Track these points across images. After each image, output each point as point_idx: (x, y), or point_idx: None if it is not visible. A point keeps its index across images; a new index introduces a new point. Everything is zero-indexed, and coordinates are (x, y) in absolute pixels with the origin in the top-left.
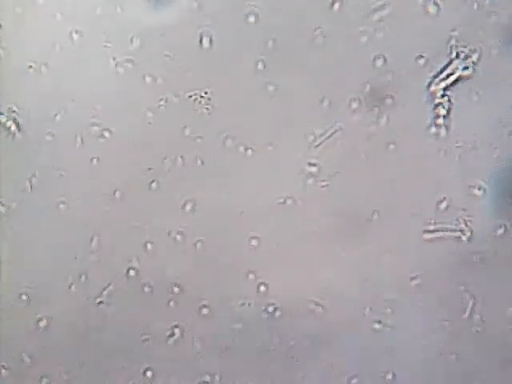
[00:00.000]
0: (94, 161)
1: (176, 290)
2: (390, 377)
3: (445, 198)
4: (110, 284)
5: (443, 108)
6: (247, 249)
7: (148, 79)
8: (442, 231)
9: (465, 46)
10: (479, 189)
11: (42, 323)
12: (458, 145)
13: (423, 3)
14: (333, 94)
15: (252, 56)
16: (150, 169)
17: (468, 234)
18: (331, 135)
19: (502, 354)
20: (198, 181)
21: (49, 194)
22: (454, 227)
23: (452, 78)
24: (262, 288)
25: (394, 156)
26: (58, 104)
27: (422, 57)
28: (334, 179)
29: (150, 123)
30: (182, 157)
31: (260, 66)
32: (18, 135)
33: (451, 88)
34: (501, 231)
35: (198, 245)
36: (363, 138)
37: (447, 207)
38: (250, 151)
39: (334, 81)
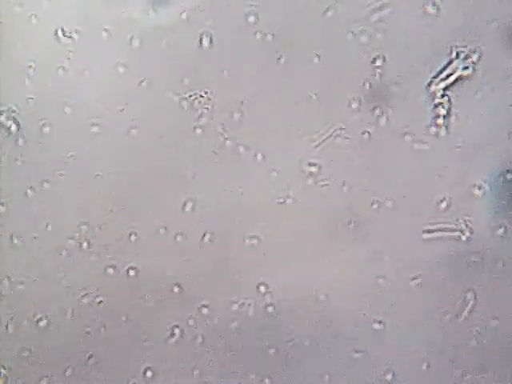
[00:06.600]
0: (94, 160)
1: (176, 289)
2: (389, 377)
3: (445, 198)
4: (109, 284)
5: (443, 108)
6: (247, 249)
7: (148, 79)
8: (442, 231)
9: (465, 46)
10: (479, 189)
11: (42, 323)
12: (458, 145)
13: (423, 3)
14: (333, 94)
15: (252, 56)
16: (149, 168)
17: (468, 234)
18: (331, 135)
19: (501, 354)
20: (198, 181)
21: (48, 194)
22: (453, 227)
23: (452, 78)
24: (262, 288)
25: (393, 156)
26: (57, 104)
27: (422, 57)
28: (333, 179)
29: (149, 123)
30: (181, 156)
31: (260, 66)
32: (18, 135)
33: (451, 88)
34: (501, 231)
35: (198, 245)
36: (363, 137)
37: (447, 207)
38: (250, 151)
39: (334, 81)
